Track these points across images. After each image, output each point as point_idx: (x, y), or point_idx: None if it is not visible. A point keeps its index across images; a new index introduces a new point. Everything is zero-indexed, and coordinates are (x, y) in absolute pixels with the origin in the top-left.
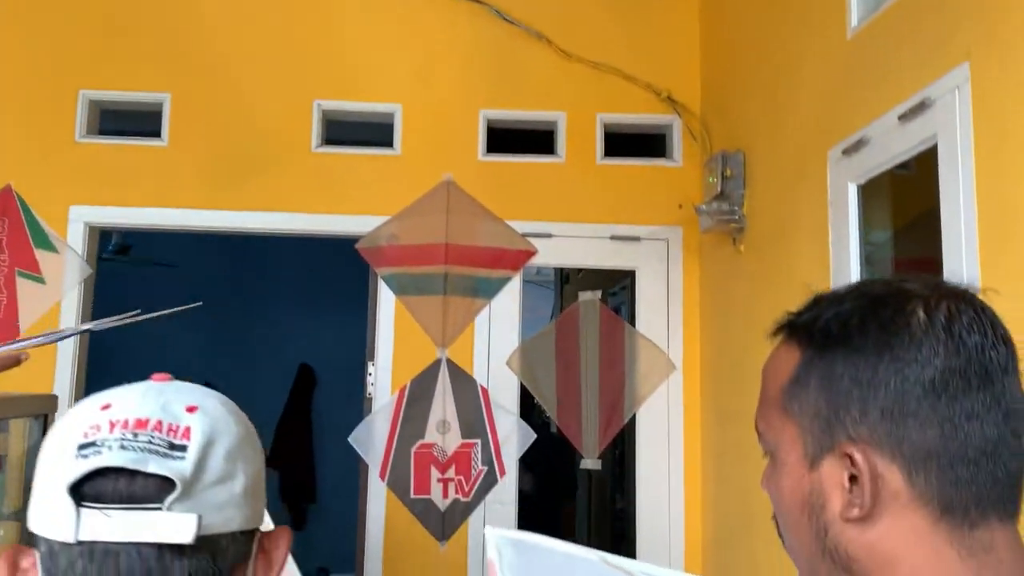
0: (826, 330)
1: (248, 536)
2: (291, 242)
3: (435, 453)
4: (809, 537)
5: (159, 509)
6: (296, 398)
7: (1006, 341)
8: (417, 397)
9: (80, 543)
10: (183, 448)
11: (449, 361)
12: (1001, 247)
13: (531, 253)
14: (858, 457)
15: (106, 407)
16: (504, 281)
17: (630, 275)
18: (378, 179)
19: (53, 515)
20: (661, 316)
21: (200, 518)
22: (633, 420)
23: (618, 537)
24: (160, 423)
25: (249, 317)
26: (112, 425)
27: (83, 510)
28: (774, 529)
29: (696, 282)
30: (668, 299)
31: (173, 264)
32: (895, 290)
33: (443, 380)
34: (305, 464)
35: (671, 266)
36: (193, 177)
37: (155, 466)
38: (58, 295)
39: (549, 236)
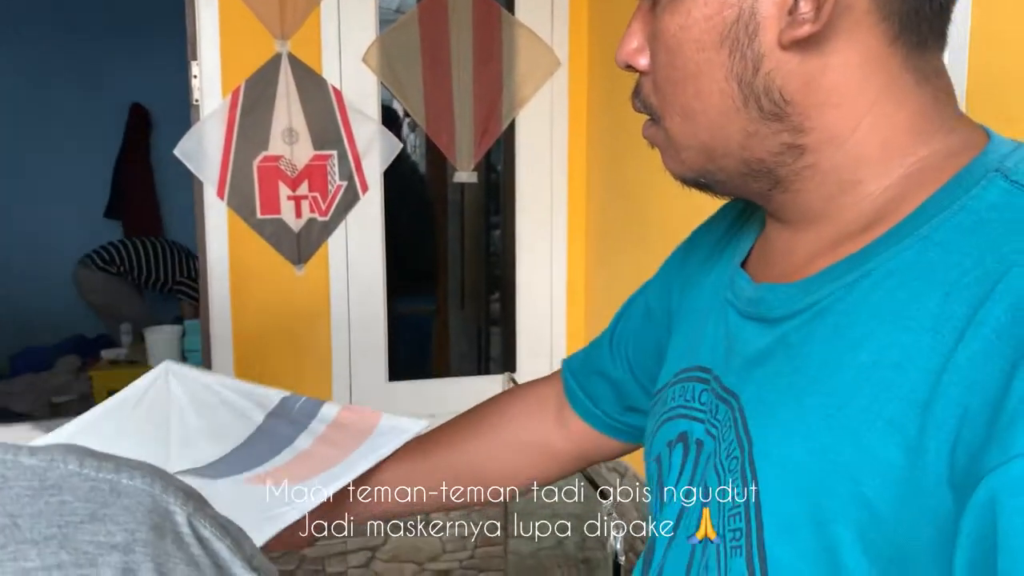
0: None
1: None
2: None
3: (282, 167)
4: (725, 84)
5: None
6: (131, 142)
7: None
8: (254, 101)
9: None
10: None
11: (291, 56)
12: None
13: None
14: None
15: None
16: None
17: None
18: None
19: None
20: (544, 1)
21: None
22: (512, 126)
23: (494, 280)
24: None
25: (59, 51)
26: None
27: None
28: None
29: None
30: None
31: None
32: None
33: (285, 80)
34: (150, 214)
35: None
36: None
37: None
38: None
39: None
